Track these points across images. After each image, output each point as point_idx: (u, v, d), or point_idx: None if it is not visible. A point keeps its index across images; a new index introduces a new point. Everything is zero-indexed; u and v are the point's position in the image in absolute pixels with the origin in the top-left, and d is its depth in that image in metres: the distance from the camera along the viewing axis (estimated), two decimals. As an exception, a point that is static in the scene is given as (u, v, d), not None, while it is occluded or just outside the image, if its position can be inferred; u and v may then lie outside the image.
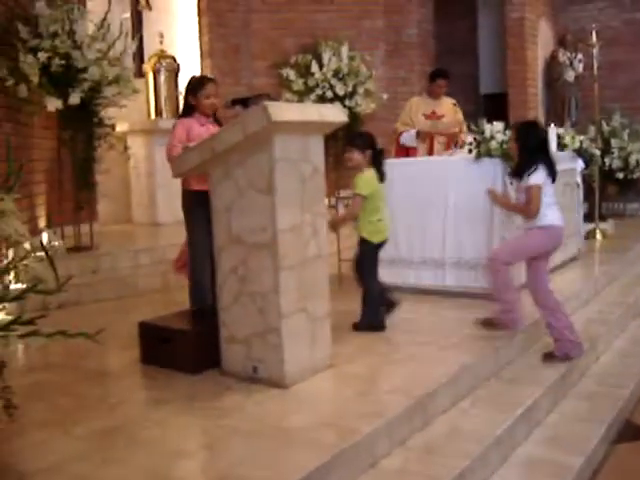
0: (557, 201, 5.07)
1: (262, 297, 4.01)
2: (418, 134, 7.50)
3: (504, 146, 5.90)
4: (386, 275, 6.43)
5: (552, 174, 4.95)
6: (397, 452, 3.60)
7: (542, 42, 12.99)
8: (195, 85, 4.89)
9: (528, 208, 4.88)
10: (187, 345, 4.38)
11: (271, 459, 3.17)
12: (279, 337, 3.98)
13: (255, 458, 3.18)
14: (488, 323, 5.11)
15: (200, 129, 4.69)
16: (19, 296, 2.49)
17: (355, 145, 5.17)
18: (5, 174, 2.60)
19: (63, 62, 6.73)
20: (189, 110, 4.90)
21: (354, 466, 3.32)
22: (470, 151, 6.06)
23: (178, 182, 4.89)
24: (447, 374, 4.23)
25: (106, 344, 4.93)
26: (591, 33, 9.78)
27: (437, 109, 7.72)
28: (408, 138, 7.59)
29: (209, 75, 4.94)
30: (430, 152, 7.56)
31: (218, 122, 4.96)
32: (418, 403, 3.86)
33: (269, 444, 3.32)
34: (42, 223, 7.21)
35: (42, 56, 6.62)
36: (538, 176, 4.85)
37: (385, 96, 11.39)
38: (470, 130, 6.29)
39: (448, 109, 7.76)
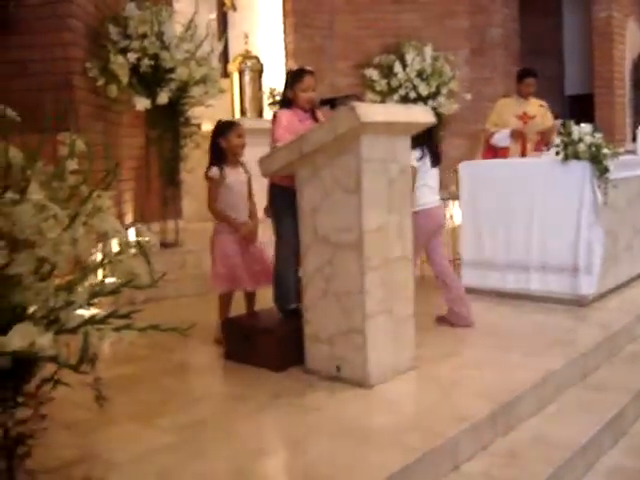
0: (432, 185, 5.34)
1: (347, 297, 4.02)
2: (512, 134, 7.36)
3: (592, 149, 5.79)
4: (469, 277, 6.40)
5: (433, 159, 5.29)
6: (480, 457, 3.57)
7: (630, 42, 12.71)
8: (292, 78, 4.74)
9: None
10: (271, 343, 4.42)
11: (354, 459, 3.17)
12: (363, 337, 3.98)
13: (338, 457, 3.19)
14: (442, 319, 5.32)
15: (298, 125, 4.58)
16: (115, 290, 2.55)
17: None
18: (102, 172, 2.66)
19: (152, 62, 6.86)
20: (287, 104, 4.76)
21: (437, 469, 3.30)
22: (557, 153, 5.95)
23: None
24: (532, 379, 4.17)
25: (190, 339, 5.02)
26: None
27: (528, 110, 7.55)
28: (501, 138, 7.42)
29: (307, 67, 4.78)
30: (523, 152, 7.42)
31: (315, 119, 4.78)
32: (502, 408, 3.82)
33: (352, 444, 3.32)
34: (129, 219, 7.37)
35: (132, 57, 6.77)
36: (411, 158, 5.02)
37: (469, 96, 11.29)
38: (559, 133, 6.16)
39: (538, 110, 7.60)
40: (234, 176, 4.99)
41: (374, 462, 3.15)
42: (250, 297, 5.16)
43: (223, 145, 4.99)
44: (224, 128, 5.04)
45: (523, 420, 3.98)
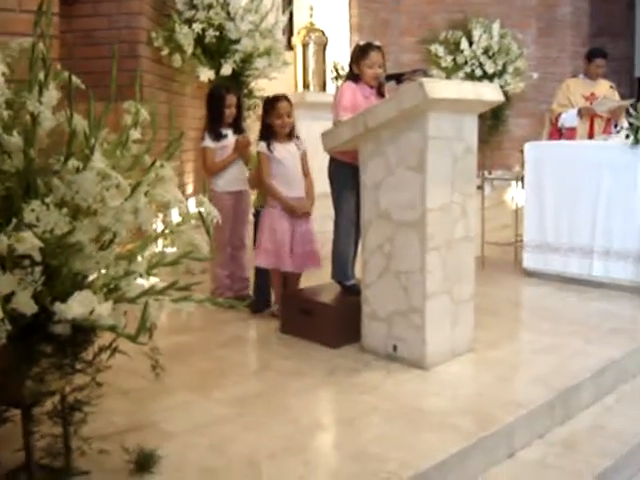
0: None
1: (407, 276, 3.97)
2: (580, 112, 7.17)
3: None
4: (531, 260, 6.29)
5: None
6: (536, 445, 3.50)
7: None
8: (358, 53, 4.63)
9: None
10: (329, 319, 4.40)
11: (408, 440, 3.13)
12: (422, 317, 3.93)
13: (392, 437, 3.16)
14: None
15: (362, 102, 4.50)
16: (175, 261, 2.53)
17: None
18: (166, 141, 2.64)
19: (217, 33, 6.86)
20: (354, 79, 4.64)
21: (492, 455, 3.25)
22: (627, 136, 5.77)
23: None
24: (592, 368, 4.08)
25: (246, 311, 5.02)
26: None
27: (596, 90, 7.36)
28: (568, 118, 7.25)
29: (375, 42, 4.68)
30: (590, 133, 7.22)
31: (382, 95, 4.70)
32: (560, 396, 3.74)
33: (406, 425, 3.28)
34: (189, 190, 7.39)
35: (197, 27, 6.78)
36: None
37: (535, 76, 11.08)
38: (627, 114, 5.99)
39: (606, 91, 7.41)
40: (284, 151, 4.94)
41: (428, 445, 3.10)
42: (292, 278, 5.08)
43: (268, 122, 4.97)
44: (266, 106, 5.02)
45: (581, 409, 3.89)
